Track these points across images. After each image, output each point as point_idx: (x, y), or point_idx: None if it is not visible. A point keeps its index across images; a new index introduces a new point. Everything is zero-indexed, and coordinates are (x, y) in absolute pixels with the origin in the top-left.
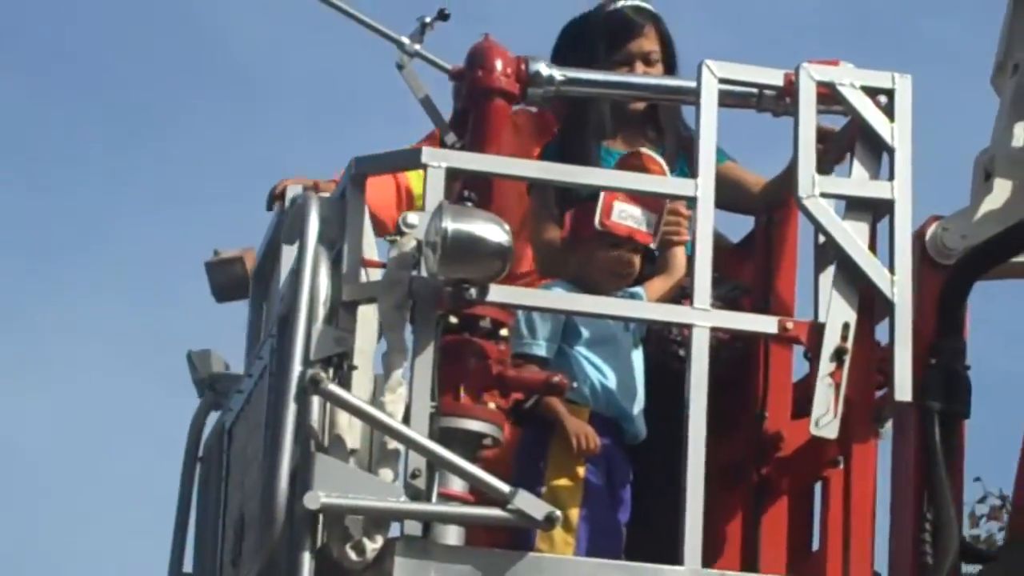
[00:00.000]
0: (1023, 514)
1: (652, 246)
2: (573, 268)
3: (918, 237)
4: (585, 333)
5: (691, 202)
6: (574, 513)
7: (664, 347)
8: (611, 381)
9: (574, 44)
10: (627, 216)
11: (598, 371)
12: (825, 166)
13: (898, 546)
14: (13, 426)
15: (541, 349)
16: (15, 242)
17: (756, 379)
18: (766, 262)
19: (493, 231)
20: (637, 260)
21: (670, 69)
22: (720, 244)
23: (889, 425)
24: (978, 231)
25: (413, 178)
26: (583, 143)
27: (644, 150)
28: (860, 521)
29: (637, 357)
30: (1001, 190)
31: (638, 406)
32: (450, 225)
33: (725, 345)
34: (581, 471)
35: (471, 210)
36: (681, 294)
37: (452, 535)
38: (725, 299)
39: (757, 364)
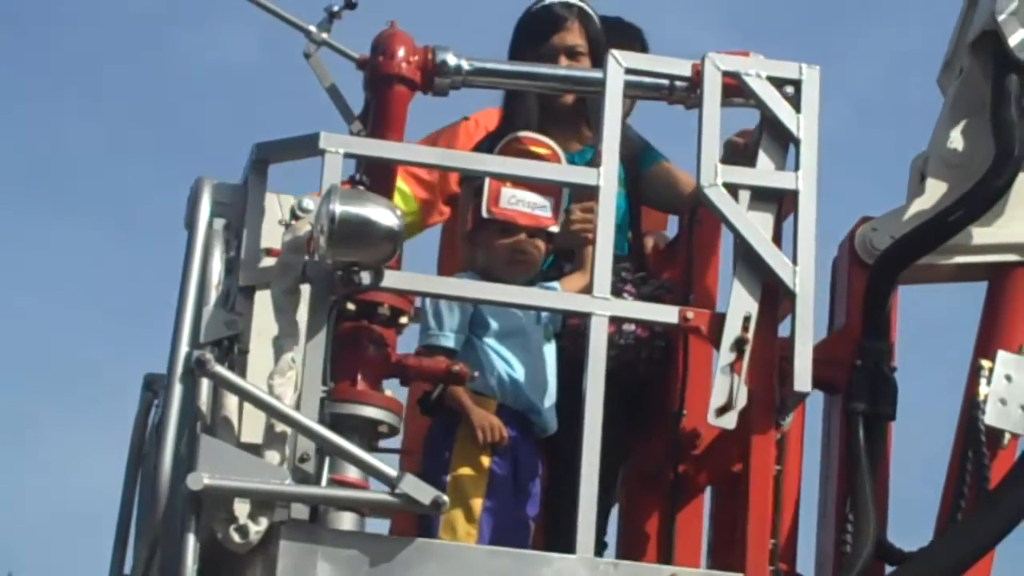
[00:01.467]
0: (942, 520)
1: (553, 229)
2: (479, 260)
3: (848, 238)
4: (493, 325)
5: (593, 191)
6: (477, 503)
7: (579, 342)
8: (519, 373)
9: (513, 39)
10: (517, 201)
11: (506, 363)
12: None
13: (823, 545)
14: None
15: (448, 340)
16: None
17: (677, 378)
18: (688, 259)
19: (383, 214)
20: (538, 245)
21: (599, 64)
22: (655, 243)
23: (789, 419)
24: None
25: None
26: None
27: (525, 133)
28: (758, 513)
29: (549, 351)
30: (933, 191)
31: (548, 399)
32: (338, 208)
33: (645, 343)
34: (486, 462)
35: (362, 193)
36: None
37: (346, 522)
38: (649, 297)
39: (678, 362)
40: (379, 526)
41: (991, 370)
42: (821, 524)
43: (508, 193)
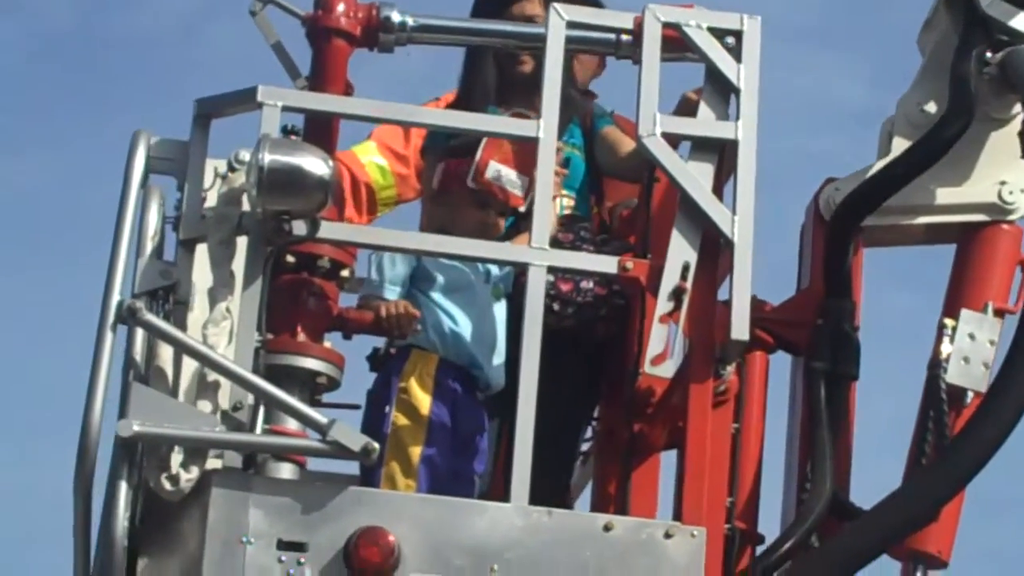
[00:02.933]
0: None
1: (521, 209)
2: (437, 221)
3: (813, 200)
4: (439, 279)
5: (533, 142)
6: (415, 452)
7: None
8: (462, 328)
9: (472, 8)
10: (500, 177)
11: (449, 317)
12: None
13: (786, 505)
14: None
15: (390, 293)
16: None
17: (634, 336)
18: (646, 218)
19: (314, 163)
20: (502, 223)
21: None
22: (620, 206)
23: (730, 369)
24: None
25: (374, 173)
26: (468, 107)
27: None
28: (695, 462)
29: (498, 308)
30: (898, 151)
31: (496, 356)
32: (268, 156)
33: (604, 301)
34: (424, 412)
35: (293, 142)
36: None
37: (285, 473)
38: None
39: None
40: None
41: (954, 328)
42: (786, 485)
43: (494, 167)
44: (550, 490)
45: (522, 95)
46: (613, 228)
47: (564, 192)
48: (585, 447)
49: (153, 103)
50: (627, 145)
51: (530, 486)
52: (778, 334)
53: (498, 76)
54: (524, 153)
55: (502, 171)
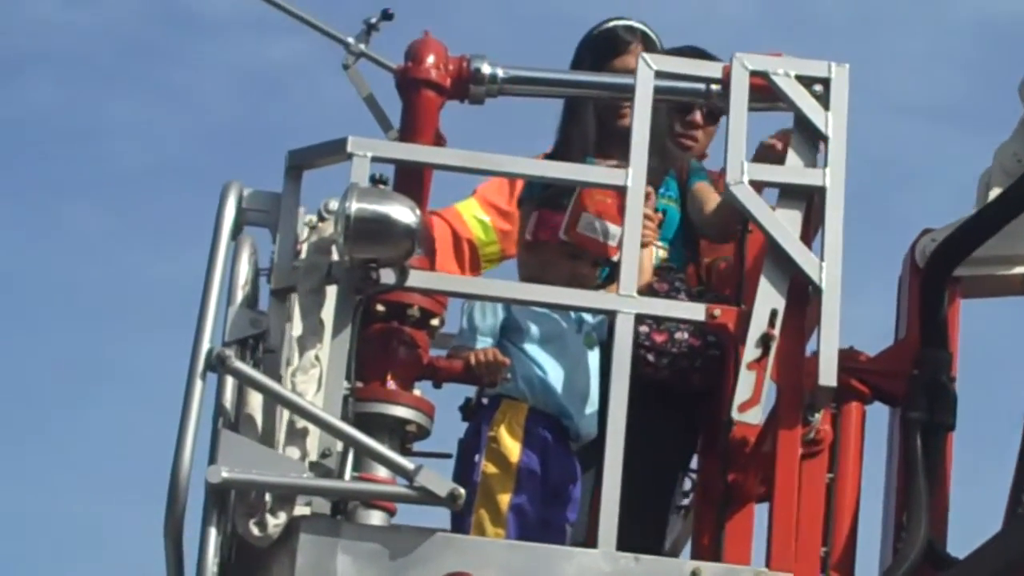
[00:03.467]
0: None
1: (615, 259)
2: (529, 271)
3: (910, 251)
4: (531, 330)
5: (621, 191)
6: (504, 500)
7: (633, 352)
8: (552, 378)
9: (573, 61)
10: (593, 229)
11: (540, 367)
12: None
13: (884, 554)
14: None
15: (482, 343)
16: None
17: (729, 386)
18: (740, 268)
19: (401, 211)
20: (595, 273)
21: None
22: (719, 260)
23: (819, 416)
24: None
25: (476, 230)
26: (566, 157)
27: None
28: (783, 508)
29: (592, 358)
30: None
31: (588, 407)
32: (354, 205)
33: (698, 352)
34: (514, 460)
35: (379, 191)
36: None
37: (375, 521)
38: None
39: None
40: None
41: None
42: (883, 536)
43: (586, 219)
44: (643, 539)
45: (621, 147)
46: (710, 282)
47: (659, 244)
48: (687, 501)
49: None
50: (714, 201)
51: (626, 536)
52: (874, 384)
53: (598, 128)
54: (615, 204)
55: (596, 223)
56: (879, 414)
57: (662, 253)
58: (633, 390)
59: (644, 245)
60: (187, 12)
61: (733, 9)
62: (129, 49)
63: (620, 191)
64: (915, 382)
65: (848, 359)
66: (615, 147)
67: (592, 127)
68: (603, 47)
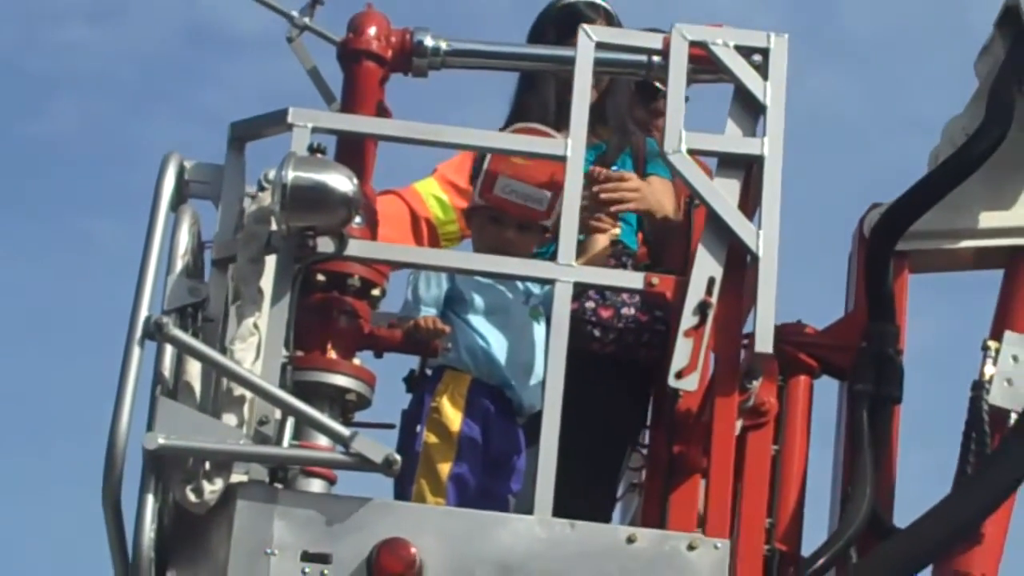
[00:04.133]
0: None
1: (545, 223)
2: (472, 241)
3: (858, 225)
4: (474, 301)
5: (560, 161)
6: (444, 469)
7: (579, 328)
8: (496, 349)
9: (532, 36)
10: (511, 191)
11: (482, 338)
12: None
13: (832, 526)
14: None
15: (425, 314)
16: None
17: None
18: (686, 243)
19: (337, 179)
20: (526, 239)
21: None
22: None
23: (756, 383)
24: None
25: (434, 208)
26: None
27: (534, 124)
28: (719, 475)
29: (535, 331)
30: None
31: (533, 378)
32: (291, 173)
33: (645, 327)
34: (455, 430)
35: (316, 159)
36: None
37: (315, 488)
38: None
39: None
40: None
41: (997, 350)
42: (832, 509)
43: (503, 182)
44: (591, 513)
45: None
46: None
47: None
48: (640, 479)
49: None
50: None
51: (573, 511)
52: (822, 358)
53: (558, 105)
54: (540, 168)
55: (512, 185)
56: (830, 387)
57: (615, 230)
58: (581, 365)
59: (600, 231)
60: (215, 31)
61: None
62: (156, 69)
63: (560, 160)
64: (862, 355)
65: (796, 333)
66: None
67: (552, 101)
68: (565, 23)
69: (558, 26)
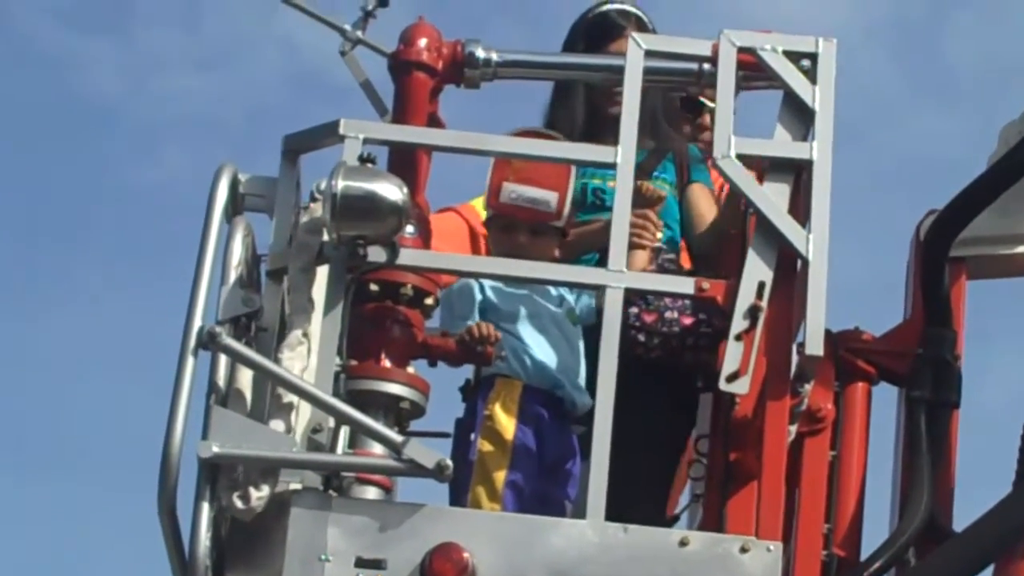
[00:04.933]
0: None
1: (558, 224)
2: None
3: (915, 231)
4: (511, 310)
5: (611, 169)
6: (499, 477)
7: (624, 333)
8: (540, 352)
9: (566, 44)
10: (517, 197)
11: (526, 344)
12: None
13: (892, 529)
14: None
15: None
16: None
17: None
18: (742, 250)
19: (386, 188)
20: (540, 243)
21: None
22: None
23: (808, 387)
24: None
25: None
26: None
27: (534, 128)
28: (771, 478)
29: (573, 333)
30: None
31: (579, 378)
32: (341, 182)
33: (690, 331)
34: (508, 437)
35: (366, 169)
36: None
37: (371, 495)
38: None
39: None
40: None
41: None
42: (892, 515)
43: (508, 188)
44: (638, 517)
45: (612, 134)
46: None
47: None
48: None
49: None
50: (698, 210)
51: (627, 518)
52: (880, 364)
53: (589, 114)
54: (543, 170)
55: (518, 190)
56: (890, 394)
57: (659, 235)
58: (626, 370)
59: (642, 247)
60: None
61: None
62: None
63: (611, 168)
64: (919, 361)
65: (853, 339)
66: (606, 133)
67: (581, 112)
68: (597, 32)
69: (588, 36)
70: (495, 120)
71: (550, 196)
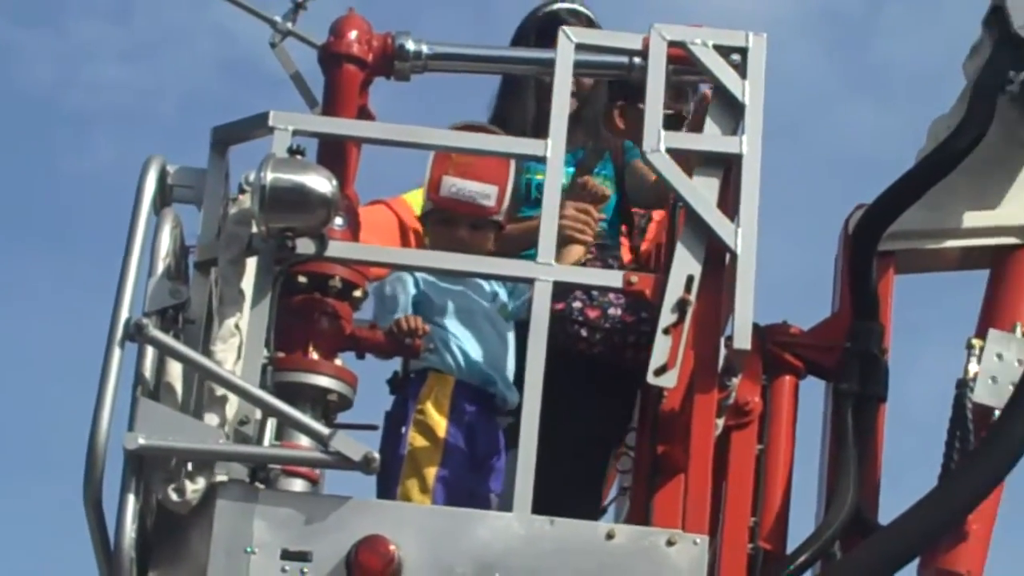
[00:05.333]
0: None
1: (497, 218)
2: (429, 246)
3: (843, 226)
4: (444, 304)
5: (542, 161)
6: (431, 472)
7: (566, 328)
8: (472, 349)
9: (514, 44)
10: (457, 190)
11: (458, 339)
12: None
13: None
14: None
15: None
16: None
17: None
18: (672, 242)
19: (315, 180)
20: (479, 236)
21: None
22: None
23: (736, 381)
24: None
25: None
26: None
27: (478, 122)
28: (698, 472)
29: (504, 329)
30: None
31: (508, 376)
32: (269, 174)
33: (631, 328)
34: (441, 434)
35: (295, 161)
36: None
37: (297, 487)
38: None
39: None
40: None
41: (981, 348)
42: (818, 508)
43: (448, 182)
44: (573, 510)
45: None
46: (645, 261)
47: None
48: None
49: None
50: (650, 177)
51: (557, 508)
52: (807, 358)
53: (541, 110)
54: (484, 164)
55: (458, 184)
56: (818, 387)
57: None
58: (567, 365)
59: (581, 243)
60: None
61: None
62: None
63: (541, 161)
64: (846, 355)
65: (781, 333)
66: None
67: (532, 108)
68: (548, 31)
69: (539, 33)
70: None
71: (490, 190)
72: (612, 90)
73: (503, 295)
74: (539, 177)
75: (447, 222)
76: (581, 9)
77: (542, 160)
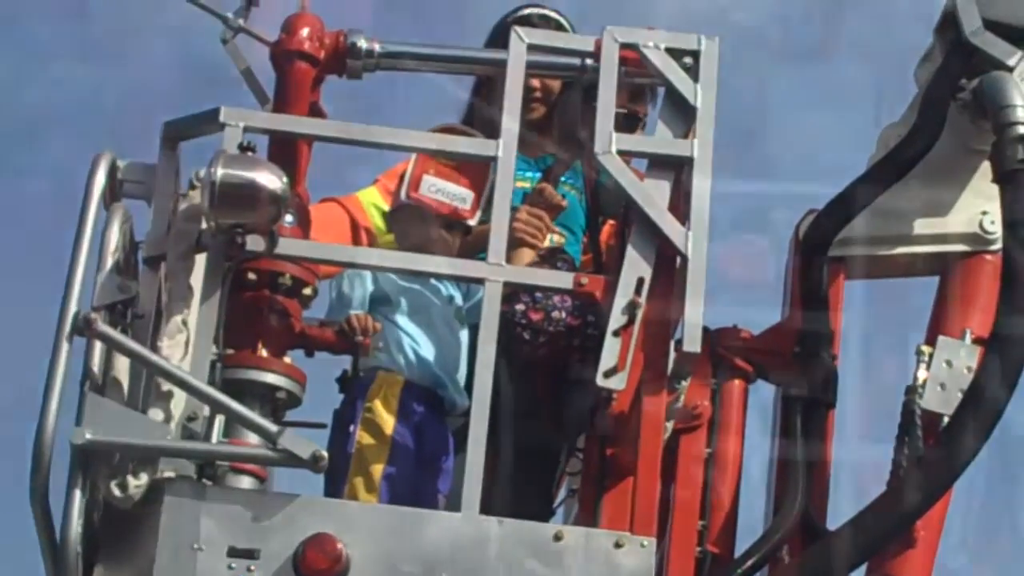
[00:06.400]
0: None
1: (470, 222)
2: (396, 243)
3: (795, 232)
4: (400, 302)
5: (492, 163)
6: (377, 470)
7: (509, 331)
8: (425, 350)
9: (487, 46)
10: (437, 191)
11: (411, 339)
12: None
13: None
14: None
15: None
16: None
17: None
18: (623, 245)
19: (266, 177)
20: (450, 239)
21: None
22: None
23: (685, 384)
24: None
25: (375, 217)
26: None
27: (455, 124)
28: (646, 474)
29: (458, 331)
30: None
31: (460, 378)
32: (219, 170)
33: (576, 331)
34: (388, 432)
35: (245, 157)
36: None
37: (245, 485)
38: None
39: None
40: None
41: (931, 355)
42: (767, 513)
43: (429, 181)
44: (523, 513)
45: (528, 139)
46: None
47: (556, 229)
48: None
49: None
50: None
51: (506, 510)
52: (757, 363)
53: None
54: (467, 168)
55: (438, 184)
56: (767, 392)
57: (559, 239)
58: (511, 368)
59: (531, 247)
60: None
61: None
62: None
63: (491, 161)
64: (796, 360)
65: (731, 337)
66: (528, 138)
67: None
68: None
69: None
70: None
71: (467, 194)
72: (586, 96)
73: (459, 298)
74: (519, 185)
75: (422, 220)
76: (551, 14)
77: (492, 159)
